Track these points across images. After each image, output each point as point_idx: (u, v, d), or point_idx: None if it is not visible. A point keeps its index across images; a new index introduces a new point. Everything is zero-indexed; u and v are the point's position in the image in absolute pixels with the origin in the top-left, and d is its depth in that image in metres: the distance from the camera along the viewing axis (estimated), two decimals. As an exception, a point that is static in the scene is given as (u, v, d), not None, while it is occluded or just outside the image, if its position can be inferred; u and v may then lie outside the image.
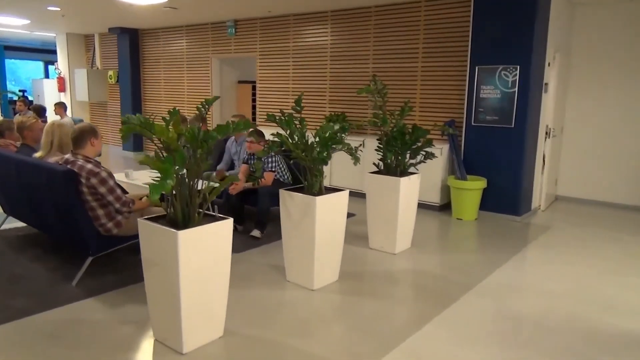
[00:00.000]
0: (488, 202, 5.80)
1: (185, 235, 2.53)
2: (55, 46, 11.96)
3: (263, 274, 3.90)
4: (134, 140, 10.63)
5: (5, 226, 4.87)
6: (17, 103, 9.31)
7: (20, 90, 15.09)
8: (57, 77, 11.93)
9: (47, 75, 16.50)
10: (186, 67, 9.73)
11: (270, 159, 4.86)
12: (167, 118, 2.65)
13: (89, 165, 3.44)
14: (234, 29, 8.64)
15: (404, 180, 4.31)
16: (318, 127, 3.57)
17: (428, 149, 4.49)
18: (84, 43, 11.81)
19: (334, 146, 3.55)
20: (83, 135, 3.54)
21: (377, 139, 4.53)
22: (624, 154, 6.33)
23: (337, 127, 3.52)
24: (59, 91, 11.96)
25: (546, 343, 2.93)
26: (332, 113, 7.32)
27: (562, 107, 6.56)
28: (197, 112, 3.00)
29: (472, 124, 5.87)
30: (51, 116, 9.55)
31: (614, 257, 4.52)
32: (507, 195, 5.71)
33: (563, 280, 3.94)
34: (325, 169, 3.77)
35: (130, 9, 7.75)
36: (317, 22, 7.59)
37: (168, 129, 2.53)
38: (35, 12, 8.40)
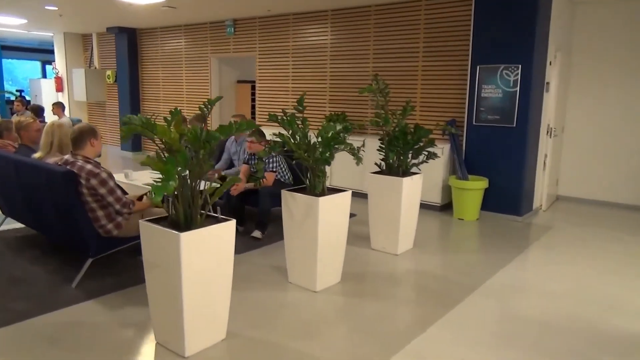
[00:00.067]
0: (489, 202, 5.77)
1: (188, 237, 2.49)
2: (53, 46, 11.89)
3: (265, 276, 3.86)
4: (133, 140, 10.58)
5: (4, 227, 4.83)
6: (15, 103, 9.24)
7: (17, 90, 15.03)
8: (55, 77, 11.88)
9: (44, 75, 16.43)
10: (185, 67, 9.68)
11: (271, 159, 4.82)
12: (169, 118, 2.62)
13: (89, 166, 3.40)
14: (233, 29, 8.60)
15: (406, 180, 4.28)
16: (318, 127, 3.54)
17: (430, 149, 4.46)
18: (82, 43, 11.76)
19: (336, 146, 3.52)
20: (82, 136, 3.50)
21: (379, 139, 4.50)
22: (625, 153, 6.31)
23: (339, 127, 3.48)
24: (57, 91, 11.90)
25: (551, 344, 2.90)
26: (332, 113, 7.28)
27: (563, 107, 6.54)
28: (198, 112, 2.97)
29: (474, 123, 5.85)
30: (49, 116, 9.50)
31: (616, 257, 4.50)
32: (508, 195, 5.69)
33: (566, 280, 3.92)
34: (326, 169, 3.74)
35: (128, 8, 7.70)
36: (316, 21, 7.56)
37: (170, 129, 2.50)
38: (33, 11, 8.34)
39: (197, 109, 9.17)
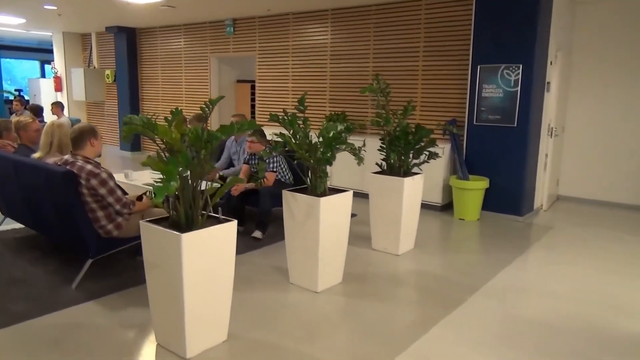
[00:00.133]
0: (490, 202, 5.76)
1: (189, 238, 2.48)
2: (52, 45, 11.86)
3: (265, 276, 3.85)
4: (132, 140, 10.54)
5: (3, 227, 4.81)
6: (14, 103, 9.21)
7: (16, 90, 14.99)
8: (54, 77, 11.84)
9: (43, 75, 16.39)
10: (184, 67, 9.66)
11: (271, 160, 4.80)
12: (169, 118, 2.60)
13: (89, 166, 3.38)
14: (232, 28, 8.58)
15: (407, 180, 4.26)
16: (318, 127, 3.52)
17: (431, 149, 4.44)
18: (81, 42, 11.72)
19: (337, 146, 3.50)
20: (82, 136, 3.48)
21: (380, 139, 4.49)
22: (626, 153, 6.30)
23: (341, 127, 3.47)
24: (56, 91, 11.86)
25: (553, 345, 2.89)
26: (332, 112, 7.28)
27: (564, 106, 6.53)
28: (197, 112, 2.95)
29: (474, 123, 5.83)
30: (48, 116, 9.46)
31: (617, 257, 4.49)
32: (509, 195, 5.68)
33: (568, 281, 3.91)
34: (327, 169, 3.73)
35: (127, 7, 7.68)
36: (316, 20, 7.54)
37: (171, 129, 2.48)
38: (32, 11, 8.31)
39: (197, 108, 9.17)
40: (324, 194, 3.48)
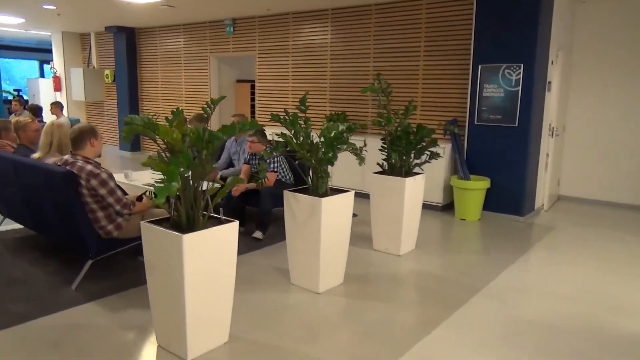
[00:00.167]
0: (491, 202, 5.74)
1: (191, 239, 2.46)
2: (51, 45, 11.83)
3: (266, 277, 3.83)
4: (132, 140, 10.52)
5: (3, 228, 4.78)
6: (13, 103, 9.19)
7: (15, 90, 14.95)
8: (53, 77, 11.81)
9: (42, 75, 16.35)
10: (184, 66, 9.63)
11: (272, 160, 4.79)
12: (170, 118, 2.58)
13: (89, 167, 3.36)
14: (232, 28, 8.55)
15: (409, 180, 4.24)
16: (318, 127, 3.50)
17: (433, 149, 4.43)
18: (80, 42, 11.69)
19: (339, 146, 3.48)
20: (82, 136, 3.46)
21: (381, 139, 4.47)
22: (626, 152, 6.29)
23: (343, 127, 3.45)
24: (55, 90, 11.83)
25: (555, 346, 2.87)
26: (332, 112, 7.25)
27: (565, 106, 6.51)
28: (199, 112, 2.92)
29: (475, 123, 5.82)
30: (47, 116, 9.44)
31: (618, 257, 4.48)
32: (510, 195, 5.66)
33: (569, 282, 3.89)
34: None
35: (127, 7, 7.65)
36: (317, 20, 7.52)
37: (172, 129, 2.46)
38: (31, 10, 8.28)
39: (197, 109, 9.16)
40: (325, 194, 3.46)
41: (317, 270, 3.48)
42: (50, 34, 11.64)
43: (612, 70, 6.27)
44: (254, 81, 8.70)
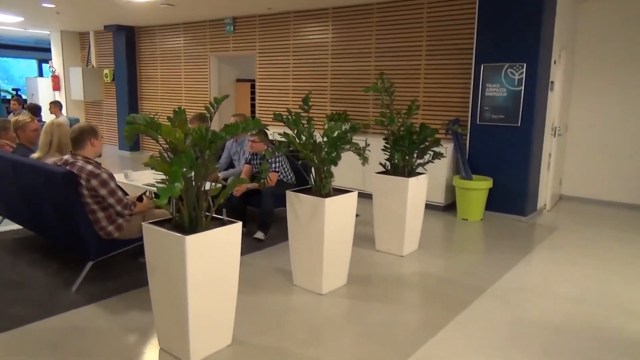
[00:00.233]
0: (493, 202, 5.71)
1: (193, 240, 2.42)
2: (49, 44, 11.77)
3: (269, 278, 3.79)
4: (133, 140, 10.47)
5: (2, 229, 4.74)
6: (11, 102, 9.14)
7: (13, 89, 14.90)
8: (52, 76, 11.76)
9: (41, 74, 16.30)
10: (184, 66, 9.59)
11: (273, 160, 4.75)
12: (172, 117, 2.54)
13: (89, 167, 3.32)
14: (232, 27, 8.51)
15: (412, 180, 4.21)
16: (319, 126, 3.47)
17: (436, 149, 4.39)
18: (79, 41, 11.63)
19: (342, 146, 3.44)
20: (83, 136, 3.42)
21: (384, 139, 4.43)
22: (628, 152, 6.26)
23: (346, 126, 3.41)
24: (54, 90, 11.78)
25: (561, 347, 2.84)
26: (334, 112, 7.21)
27: (567, 106, 6.48)
28: (200, 111, 2.88)
29: (477, 122, 5.78)
30: (46, 115, 9.39)
31: (622, 258, 4.44)
32: (513, 195, 5.63)
33: (574, 282, 3.86)
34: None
35: (126, 6, 7.61)
36: (317, 19, 7.48)
37: (175, 129, 2.42)
38: (30, 9, 8.23)
39: (196, 108, 9.12)
40: (328, 194, 3.43)
41: (320, 271, 3.45)
42: (49, 32, 11.58)
43: (614, 70, 6.24)
44: (254, 81, 8.65)
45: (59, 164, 3.43)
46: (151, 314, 2.72)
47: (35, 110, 8.01)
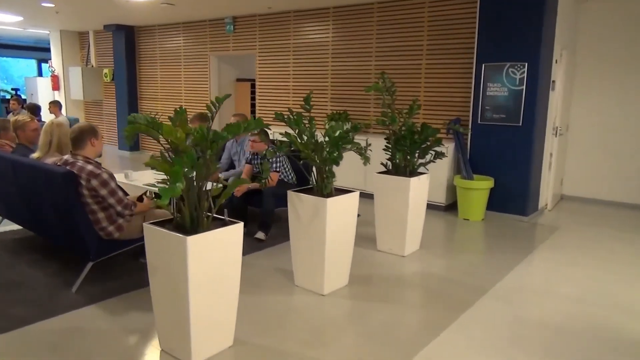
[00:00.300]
0: (495, 202, 5.69)
1: (195, 241, 2.40)
2: (49, 44, 11.74)
3: (270, 278, 3.77)
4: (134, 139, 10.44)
5: (1, 229, 4.72)
6: (11, 102, 9.12)
7: (12, 89, 14.86)
8: (51, 75, 11.73)
9: (40, 74, 16.27)
10: (183, 65, 9.57)
11: (274, 160, 4.73)
12: (173, 117, 2.52)
13: (89, 167, 3.30)
14: (232, 26, 8.49)
15: (413, 180, 4.19)
16: (320, 126, 3.45)
17: (437, 148, 4.37)
18: (79, 40, 11.61)
19: (344, 146, 3.42)
20: (83, 136, 3.40)
21: (385, 138, 4.41)
22: (629, 152, 6.25)
23: (348, 126, 3.39)
24: (53, 89, 11.76)
25: (564, 348, 2.82)
26: (334, 112, 7.19)
27: (568, 105, 6.47)
28: (199, 111, 2.86)
29: (479, 122, 5.77)
30: (46, 115, 9.36)
31: (624, 258, 4.43)
32: (514, 195, 5.61)
33: (576, 282, 3.84)
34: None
35: (126, 5, 7.59)
36: (318, 18, 7.46)
37: (176, 128, 2.40)
38: (29, 8, 8.21)
39: (196, 107, 9.10)
40: (330, 194, 3.41)
41: (321, 271, 3.43)
42: (48, 32, 11.55)
43: (615, 70, 6.22)
44: (254, 80, 8.63)
45: (58, 164, 3.41)
46: (152, 315, 2.70)
47: (35, 110, 7.99)
